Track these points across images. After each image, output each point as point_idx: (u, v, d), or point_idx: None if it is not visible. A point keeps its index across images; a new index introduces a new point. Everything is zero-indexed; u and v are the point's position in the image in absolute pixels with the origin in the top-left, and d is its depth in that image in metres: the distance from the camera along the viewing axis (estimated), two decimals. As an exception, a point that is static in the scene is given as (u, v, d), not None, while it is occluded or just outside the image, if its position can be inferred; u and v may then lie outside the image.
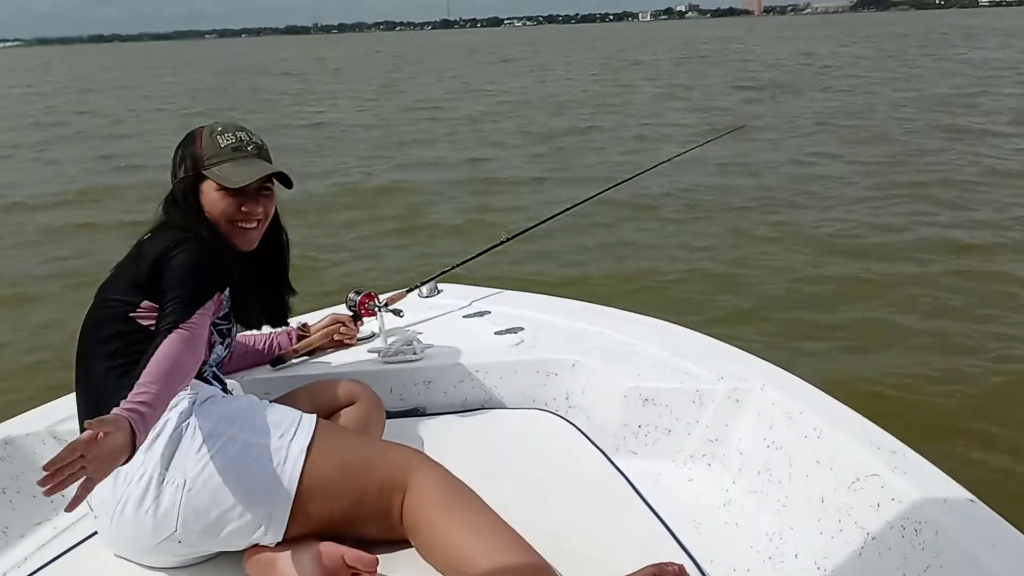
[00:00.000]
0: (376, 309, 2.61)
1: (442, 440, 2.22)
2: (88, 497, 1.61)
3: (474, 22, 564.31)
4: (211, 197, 1.98)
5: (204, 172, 1.97)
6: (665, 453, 2.19)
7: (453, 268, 3.05)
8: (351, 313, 2.63)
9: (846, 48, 41.97)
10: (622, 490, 2.04)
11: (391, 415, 2.34)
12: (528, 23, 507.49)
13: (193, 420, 1.76)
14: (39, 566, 1.86)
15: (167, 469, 1.69)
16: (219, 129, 2.03)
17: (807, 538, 1.78)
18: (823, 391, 2.09)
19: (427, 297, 3.01)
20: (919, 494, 1.61)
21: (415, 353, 2.50)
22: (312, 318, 2.63)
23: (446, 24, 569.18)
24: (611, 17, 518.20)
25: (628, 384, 2.25)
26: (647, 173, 3.88)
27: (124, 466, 1.56)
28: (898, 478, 1.67)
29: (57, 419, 2.21)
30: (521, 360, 2.49)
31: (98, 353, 1.87)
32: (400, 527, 1.76)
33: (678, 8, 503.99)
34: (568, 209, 3.28)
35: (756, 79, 24.19)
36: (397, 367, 2.47)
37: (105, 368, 1.84)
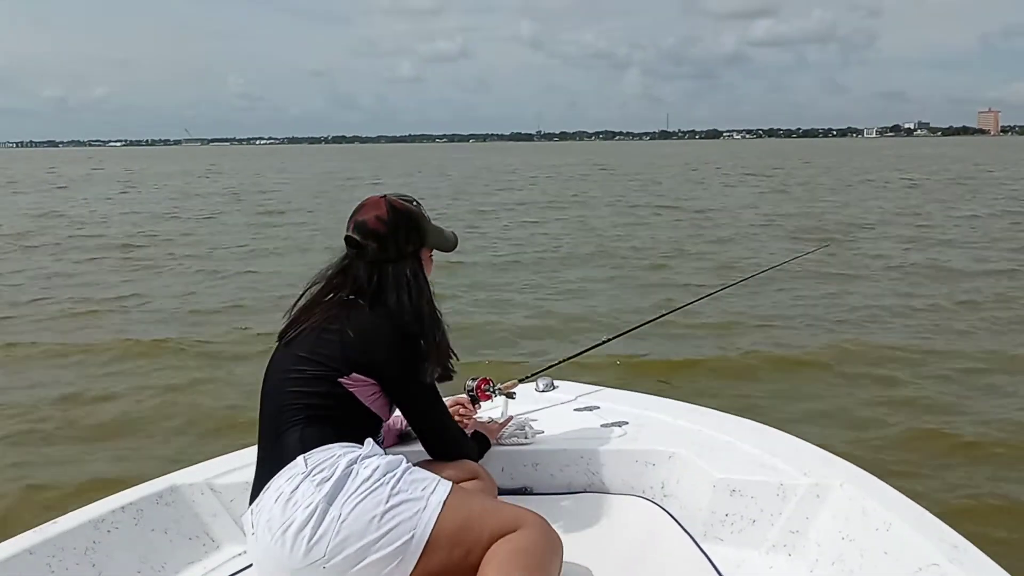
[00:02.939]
0: (491, 393, 2.91)
1: (548, 518, 2.42)
2: (255, 519, 2.08)
3: (692, 133, 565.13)
4: (426, 263, 2.43)
5: (427, 244, 2.42)
6: (749, 541, 2.34)
7: (565, 361, 3.36)
8: (469, 397, 2.91)
9: None
10: (706, 572, 2.21)
11: (502, 492, 2.60)
12: (748, 136, 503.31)
13: (357, 467, 2.06)
14: None
15: (330, 504, 1.98)
16: (416, 202, 2.44)
17: None
18: (896, 489, 2.24)
19: (542, 392, 3.31)
20: None
21: (526, 437, 2.80)
22: None
23: (665, 135, 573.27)
24: (834, 133, 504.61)
25: (718, 475, 2.43)
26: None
27: (295, 494, 2.00)
28: (956, 568, 1.79)
29: (216, 473, 2.56)
30: (623, 449, 2.73)
31: (294, 406, 2.18)
32: None
33: (906, 125, 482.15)
34: (674, 310, 3.73)
35: None
36: (509, 449, 2.76)
37: (302, 423, 2.15)
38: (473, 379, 2.95)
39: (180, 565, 2.34)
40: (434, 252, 2.51)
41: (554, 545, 2.06)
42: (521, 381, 3.18)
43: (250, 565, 2.28)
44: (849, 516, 2.18)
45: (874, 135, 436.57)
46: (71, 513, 2.27)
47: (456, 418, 2.79)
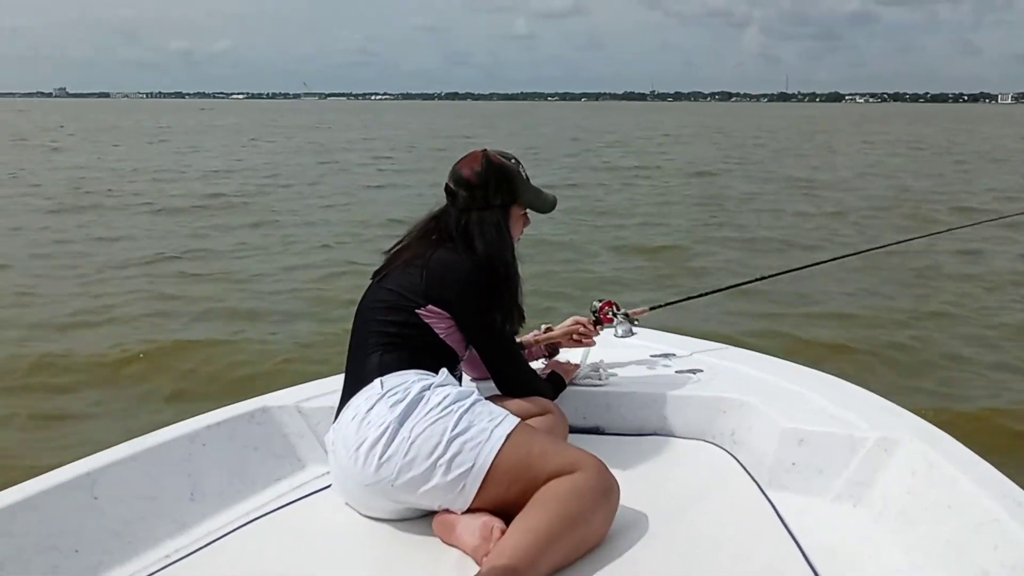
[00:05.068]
0: (613, 315, 2.96)
1: (616, 459, 2.38)
2: (335, 436, 2.22)
3: (812, 96, 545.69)
4: (515, 220, 2.50)
5: (519, 202, 2.49)
6: (814, 490, 2.35)
7: (682, 301, 3.37)
8: (593, 318, 2.98)
9: None
10: (768, 517, 2.25)
11: (573, 430, 2.67)
12: (871, 100, 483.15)
13: (429, 394, 2.15)
14: (275, 508, 2.34)
15: (401, 426, 2.09)
16: (514, 160, 2.51)
17: (931, 575, 1.91)
18: (965, 445, 2.23)
19: (621, 337, 3.25)
20: None
21: (600, 379, 2.85)
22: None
23: (783, 97, 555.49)
24: (965, 97, 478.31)
25: (788, 425, 2.46)
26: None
27: (370, 414, 2.12)
28: (1017, 524, 1.81)
29: (304, 397, 2.70)
30: (695, 395, 2.77)
31: (376, 333, 2.31)
32: None
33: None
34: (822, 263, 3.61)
35: None
36: (583, 389, 2.82)
37: (381, 348, 2.28)
38: (599, 300, 3.02)
39: (268, 481, 2.48)
40: (530, 212, 2.56)
41: (607, 491, 2.08)
42: (651, 308, 3.18)
43: (330, 485, 2.40)
44: (916, 470, 2.18)
45: (1009, 100, 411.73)
46: (169, 427, 2.43)
47: (575, 336, 2.91)
